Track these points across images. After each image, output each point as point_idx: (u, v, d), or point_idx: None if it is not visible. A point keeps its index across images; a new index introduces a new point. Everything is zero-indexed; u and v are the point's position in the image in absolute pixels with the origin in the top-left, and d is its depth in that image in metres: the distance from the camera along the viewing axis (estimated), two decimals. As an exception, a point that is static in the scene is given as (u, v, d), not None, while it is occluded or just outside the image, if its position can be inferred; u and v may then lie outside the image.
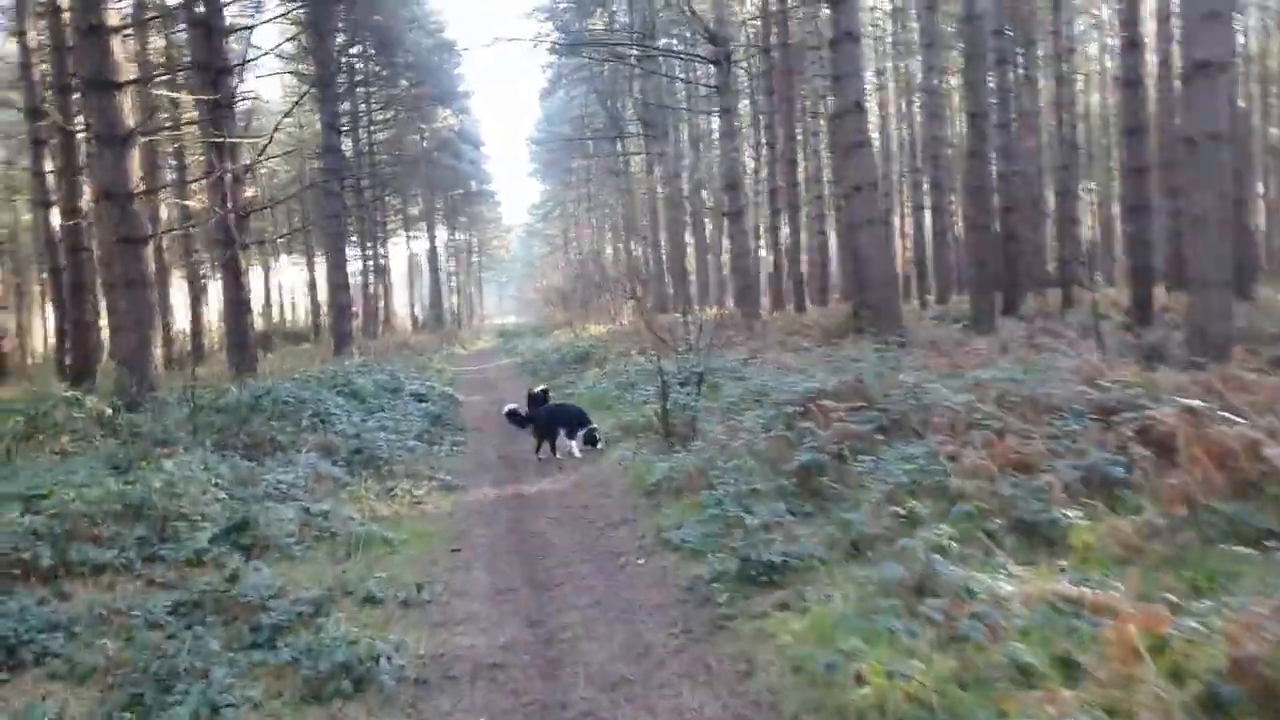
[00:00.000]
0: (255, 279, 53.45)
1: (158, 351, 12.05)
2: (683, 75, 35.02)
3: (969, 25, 16.57)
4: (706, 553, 5.39)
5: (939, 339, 15.28)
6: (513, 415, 10.26)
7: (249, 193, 28.51)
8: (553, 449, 9.68)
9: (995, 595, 3.94)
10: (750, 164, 36.90)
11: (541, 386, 13.84)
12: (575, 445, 9.62)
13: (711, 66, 25.00)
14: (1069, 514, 4.95)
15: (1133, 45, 17.20)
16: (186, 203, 17.54)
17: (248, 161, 19.10)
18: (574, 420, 9.69)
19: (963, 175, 17.20)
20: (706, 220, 42.16)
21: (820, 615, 4.31)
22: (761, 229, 32.84)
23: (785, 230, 28.74)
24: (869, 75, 35.86)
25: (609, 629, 4.73)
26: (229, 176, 14.84)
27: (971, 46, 18.05)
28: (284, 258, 57.60)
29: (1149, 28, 23.69)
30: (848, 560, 4.94)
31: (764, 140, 31.64)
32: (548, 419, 9.89)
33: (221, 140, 15.07)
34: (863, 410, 6.84)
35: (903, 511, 5.02)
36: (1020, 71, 26.51)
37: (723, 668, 4.09)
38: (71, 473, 6.91)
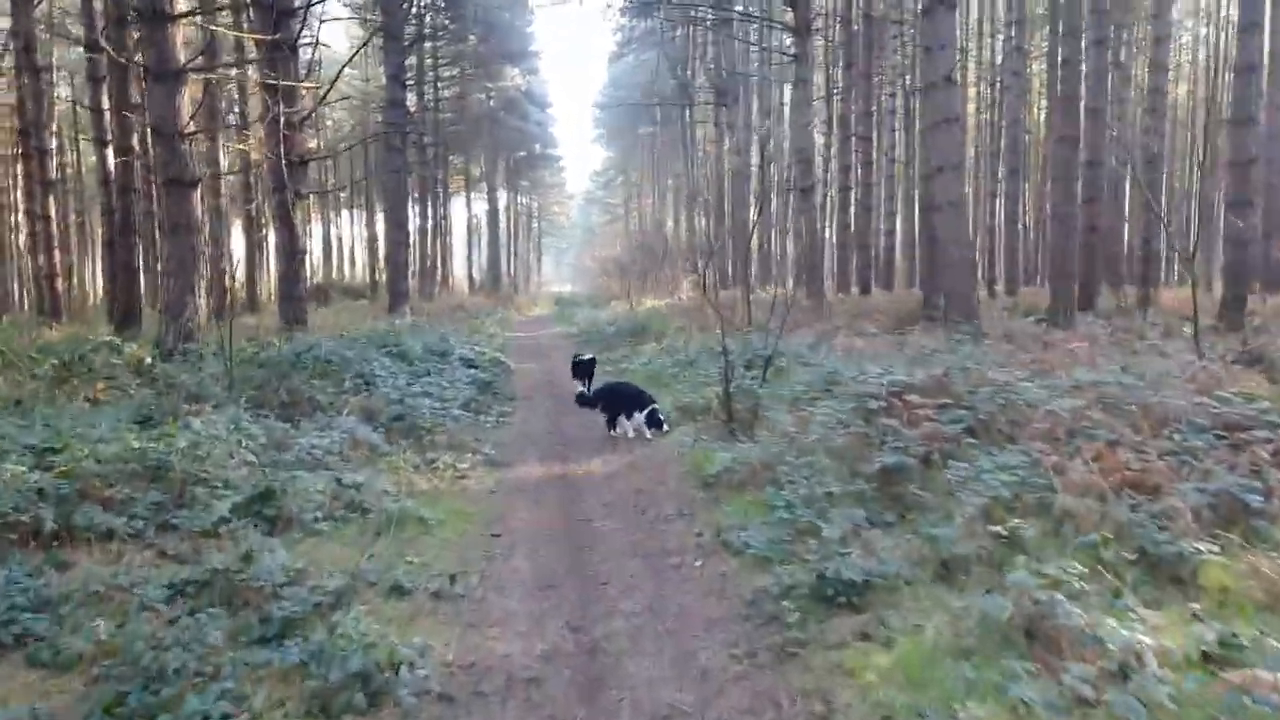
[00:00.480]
0: (315, 232, 53.97)
1: (201, 300, 11.74)
2: (757, 43, 33.93)
3: (1072, -3, 15.39)
4: (774, 561, 4.78)
5: (1014, 332, 14.34)
6: (581, 398, 9.70)
7: (310, 143, 28.45)
8: (611, 426, 9.08)
9: (1130, 650, 3.27)
10: (819, 140, 35.71)
11: (588, 355, 13.30)
12: (636, 426, 9.00)
13: (789, 35, 24.01)
14: (1199, 547, 4.23)
15: (1253, 26, 15.83)
16: (242, 147, 17.23)
17: (307, 108, 18.78)
18: (636, 400, 9.06)
19: (1050, 161, 16.07)
20: (772, 196, 41.13)
21: (909, 651, 3.69)
22: (830, 208, 31.74)
23: (853, 211, 27.71)
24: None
25: (659, 644, 4.15)
26: (283, 121, 14.41)
27: (1068, 22, 16.87)
28: (345, 212, 58.06)
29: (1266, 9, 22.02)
30: (937, 582, 4.30)
31: (836, 115, 30.50)
32: (611, 398, 9.28)
33: (278, 83, 14.68)
34: (949, 408, 6.13)
35: (1002, 531, 4.34)
36: (1111, 56, 24.94)
37: (795, 708, 3.50)
38: (93, 425, 6.53)
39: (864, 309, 21.02)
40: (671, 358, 13.16)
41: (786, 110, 42.63)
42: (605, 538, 5.83)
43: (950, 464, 5.27)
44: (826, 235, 32.03)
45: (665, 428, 8.78)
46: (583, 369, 11.72)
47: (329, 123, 52.02)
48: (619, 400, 9.12)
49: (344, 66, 19.51)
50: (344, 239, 59.36)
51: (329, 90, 18.25)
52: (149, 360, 10.51)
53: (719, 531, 5.47)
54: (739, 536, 5.21)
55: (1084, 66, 16.65)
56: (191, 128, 11.47)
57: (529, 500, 6.81)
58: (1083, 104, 16.40)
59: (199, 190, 11.84)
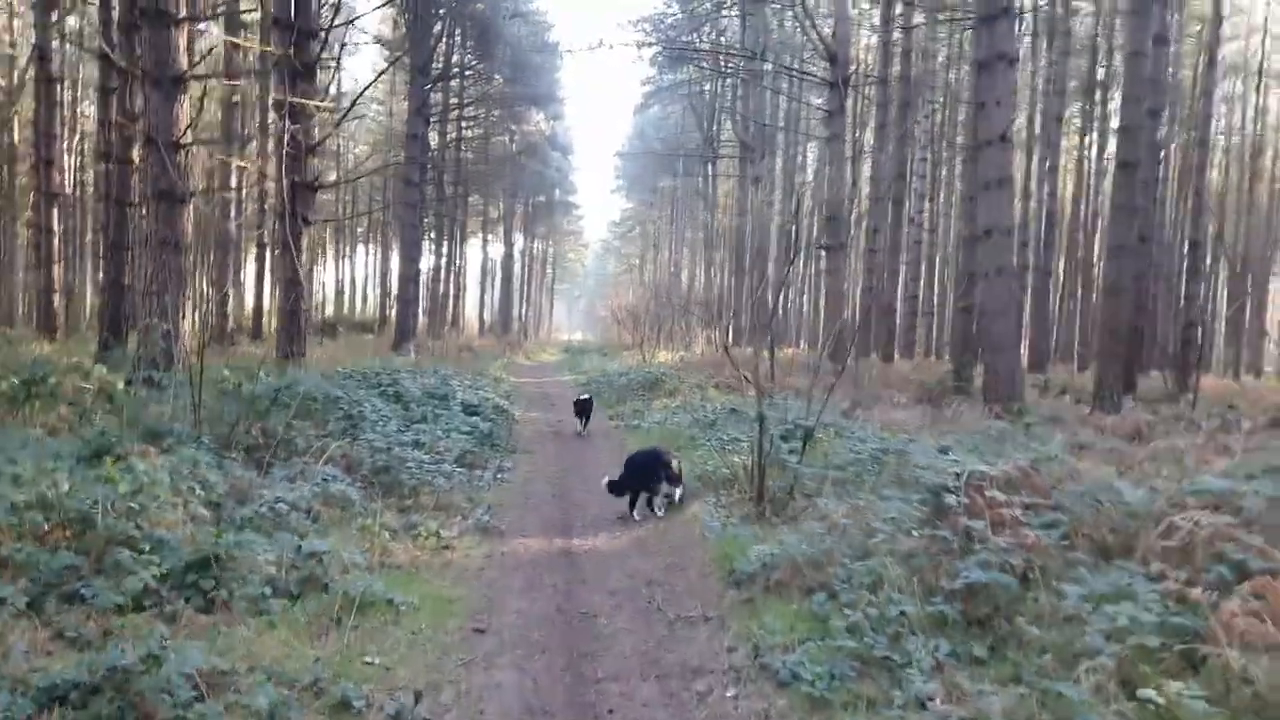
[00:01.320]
0: (329, 265, 53.51)
1: (186, 323, 10.79)
2: (788, 97, 33.47)
3: (1133, 61, 14.60)
4: (834, 705, 3.69)
5: (1059, 414, 13.31)
6: (612, 486, 7.94)
7: (324, 170, 27.84)
8: (632, 507, 7.79)
9: None
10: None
11: (585, 395, 13.33)
12: (659, 500, 7.84)
13: (825, 89, 23.40)
14: None
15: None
16: (244, 164, 16.50)
17: (321, 133, 18.10)
18: (657, 468, 7.83)
19: (1109, 232, 15.16)
20: (788, 253, 40.42)
21: None
22: (851, 270, 30.90)
23: (875, 275, 26.86)
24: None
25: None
26: (289, 140, 13.65)
27: (1129, 89, 16.08)
28: (361, 247, 57.70)
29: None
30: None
31: (865, 176, 29.87)
32: (640, 475, 7.84)
33: (286, 100, 13.95)
34: (1038, 509, 5.06)
35: (1155, 698, 3.24)
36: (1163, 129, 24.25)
37: None
38: (14, 461, 5.50)
39: (889, 377, 20.02)
40: (689, 416, 12.11)
41: (810, 169, 42.31)
42: (612, 643, 4.74)
43: (1056, 585, 4.19)
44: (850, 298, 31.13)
45: (679, 495, 7.66)
46: (581, 409, 12.72)
47: (351, 155, 51.98)
48: (647, 474, 7.85)
49: (363, 91, 18.94)
50: (357, 274, 59.00)
51: (345, 115, 17.54)
52: (122, 385, 9.54)
53: (757, 650, 4.37)
54: (784, 661, 4.11)
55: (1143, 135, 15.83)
56: (189, 139, 10.65)
57: (523, 582, 5.72)
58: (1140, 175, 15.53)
59: (190, 206, 10.98)
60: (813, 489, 6.85)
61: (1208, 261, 27.38)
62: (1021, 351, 26.55)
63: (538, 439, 12.08)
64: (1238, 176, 34.33)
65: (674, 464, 7.78)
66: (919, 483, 5.63)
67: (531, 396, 18.40)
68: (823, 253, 22.46)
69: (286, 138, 14.90)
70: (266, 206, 25.23)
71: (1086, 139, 31.42)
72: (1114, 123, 20.52)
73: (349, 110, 18.18)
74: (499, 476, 8.92)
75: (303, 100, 14.90)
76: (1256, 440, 9.28)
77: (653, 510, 7.65)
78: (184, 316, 10.94)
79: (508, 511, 7.60)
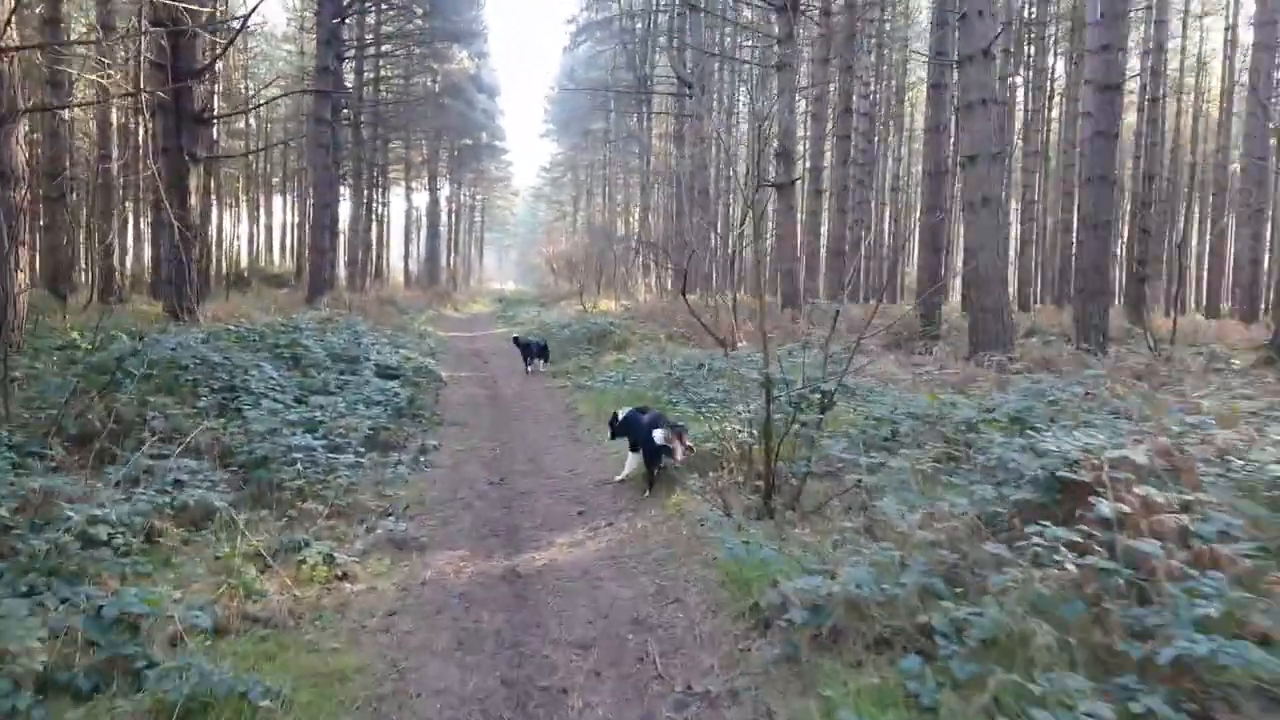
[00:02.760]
0: (243, 214, 50.07)
1: (20, 276, 8.59)
2: (728, 22, 31.50)
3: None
4: None
5: (1052, 360, 12.00)
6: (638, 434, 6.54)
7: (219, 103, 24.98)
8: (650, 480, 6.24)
9: None
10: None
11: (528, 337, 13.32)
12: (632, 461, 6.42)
13: (773, 12, 21.52)
14: None
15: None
16: (99, 78, 13.93)
17: (210, 56, 15.55)
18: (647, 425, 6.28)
19: (1086, 161, 13.79)
20: (729, 195, 38.69)
21: None
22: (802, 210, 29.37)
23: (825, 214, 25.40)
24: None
25: None
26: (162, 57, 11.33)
27: (1109, 6, 14.62)
28: (278, 197, 54.22)
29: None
30: None
31: (810, 113, 28.18)
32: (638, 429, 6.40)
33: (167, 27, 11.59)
34: (1203, 511, 3.49)
35: None
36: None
37: None
38: None
39: (851, 323, 18.60)
40: (648, 373, 10.37)
41: (745, 107, 40.39)
42: (595, 744, 3.05)
43: None
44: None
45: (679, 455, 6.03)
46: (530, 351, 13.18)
47: (264, 100, 48.14)
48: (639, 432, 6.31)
49: (256, 6, 16.26)
50: (275, 224, 55.60)
51: (237, 34, 15.03)
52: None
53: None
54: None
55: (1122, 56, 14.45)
56: (8, 40, 8.33)
57: (451, 635, 3.95)
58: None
59: (17, 126, 8.67)
60: (833, 474, 5.21)
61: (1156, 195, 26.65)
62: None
63: (470, 406, 10.24)
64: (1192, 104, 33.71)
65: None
66: (1009, 468, 4.02)
67: (461, 353, 16.47)
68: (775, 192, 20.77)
69: (145, 50, 12.50)
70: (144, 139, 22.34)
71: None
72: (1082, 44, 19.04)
73: (242, 28, 15.67)
74: (421, 460, 7.08)
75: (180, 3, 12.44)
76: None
77: (650, 480, 6.09)
78: (18, 268, 8.72)
79: (432, 512, 5.80)
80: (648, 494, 6.07)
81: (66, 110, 21.65)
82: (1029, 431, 4.70)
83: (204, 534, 4.68)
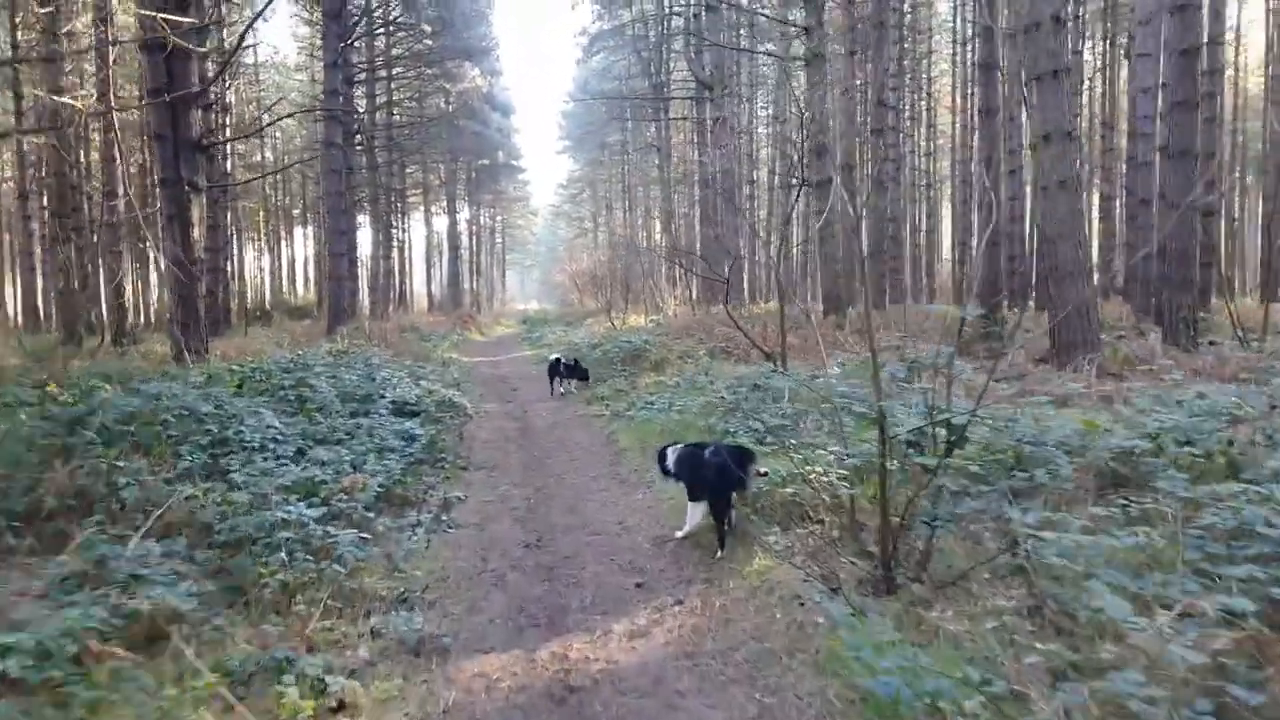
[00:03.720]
0: (263, 247, 49.77)
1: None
2: (749, 23, 30.43)
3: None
4: None
5: (1142, 360, 10.72)
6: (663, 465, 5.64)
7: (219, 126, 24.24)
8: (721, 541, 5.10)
9: None
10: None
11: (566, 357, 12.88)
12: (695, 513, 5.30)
13: (797, 6, 20.44)
14: None
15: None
16: (74, 103, 13.07)
17: (208, 82, 14.70)
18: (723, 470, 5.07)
19: (1171, 131, 12.48)
20: (752, 200, 37.52)
21: None
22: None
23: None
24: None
25: None
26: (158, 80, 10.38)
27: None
28: (299, 229, 54.02)
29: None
30: None
31: (840, 108, 26.95)
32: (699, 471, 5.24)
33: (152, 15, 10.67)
34: None
35: None
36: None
37: None
38: None
39: (902, 326, 17.34)
40: (697, 396, 9.19)
41: (769, 109, 39.25)
42: None
43: None
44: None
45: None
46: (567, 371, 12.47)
47: (279, 132, 47.85)
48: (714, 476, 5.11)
49: (254, 21, 15.44)
50: (297, 256, 55.52)
51: (235, 52, 14.20)
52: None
53: None
54: None
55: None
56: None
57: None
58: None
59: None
60: (960, 528, 4.02)
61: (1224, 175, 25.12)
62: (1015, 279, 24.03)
63: (498, 443, 9.12)
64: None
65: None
66: (1260, 533, 2.83)
67: (487, 381, 15.40)
68: (810, 191, 19.56)
69: (147, 76, 11.64)
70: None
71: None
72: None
73: (237, 47, 14.79)
74: (443, 520, 5.95)
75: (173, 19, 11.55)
76: None
77: (721, 537, 4.93)
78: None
79: (456, 594, 4.67)
80: (720, 555, 4.91)
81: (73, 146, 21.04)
82: (1230, 464, 3.49)
83: (156, 654, 3.58)
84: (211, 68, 18.85)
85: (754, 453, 5.23)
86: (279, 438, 6.96)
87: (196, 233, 14.70)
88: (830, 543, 4.68)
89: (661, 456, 5.50)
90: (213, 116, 26.28)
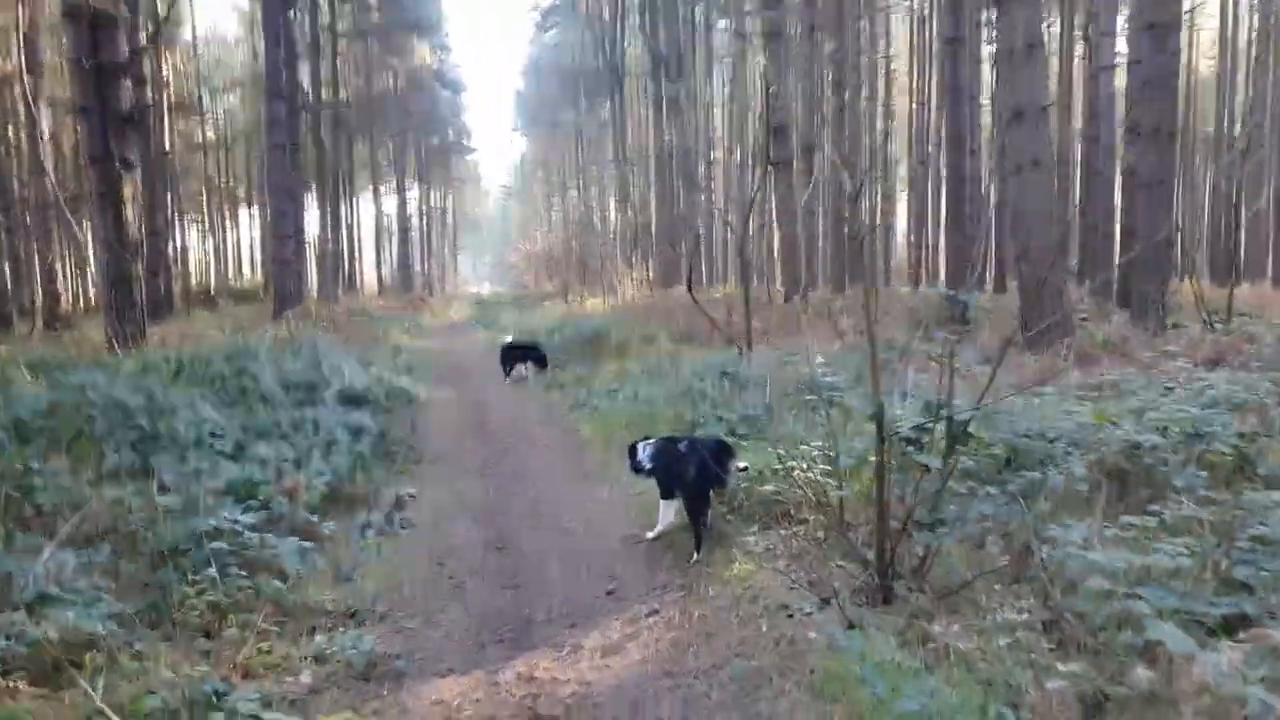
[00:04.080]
0: (208, 229, 48.21)
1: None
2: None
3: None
4: None
5: (1111, 339, 10.66)
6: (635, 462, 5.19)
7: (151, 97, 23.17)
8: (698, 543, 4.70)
9: None
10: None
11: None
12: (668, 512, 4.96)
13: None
14: None
15: None
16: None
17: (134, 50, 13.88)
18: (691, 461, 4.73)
19: (1139, 108, 12.37)
20: (708, 179, 37.11)
21: None
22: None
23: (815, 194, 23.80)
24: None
25: None
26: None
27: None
28: (244, 210, 52.43)
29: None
30: None
31: (802, 90, 26.66)
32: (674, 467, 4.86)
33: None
34: None
35: None
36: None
37: None
38: None
39: (856, 310, 17.17)
40: (663, 385, 8.83)
41: (725, 88, 38.84)
42: None
43: None
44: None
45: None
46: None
47: (221, 108, 46.30)
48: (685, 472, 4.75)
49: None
50: (244, 239, 53.94)
51: (164, 21, 13.38)
52: None
53: None
54: None
55: None
56: None
57: None
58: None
59: None
60: (952, 529, 3.72)
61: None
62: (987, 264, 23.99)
63: (454, 434, 8.68)
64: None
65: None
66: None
67: (440, 367, 14.87)
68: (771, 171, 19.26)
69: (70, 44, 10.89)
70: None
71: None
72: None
73: (168, 14, 13.96)
74: (395, 520, 5.52)
75: None
76: None
77: (699, 537, 4.58)
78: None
79: (410, 606, 4.25)
80: (696, 559, 4.57)
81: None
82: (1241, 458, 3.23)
83: (57, 690, 3.13)
84: (144, 39, 17.88)
85: (732, 447, 4.89)
86: (217, 432, 6.47)
87: (130, 212, 13.90)
88: (816, 544, 4.37)
89: (633, 451, 5.12)
90: (147, 91, 25.15)
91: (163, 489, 4.92)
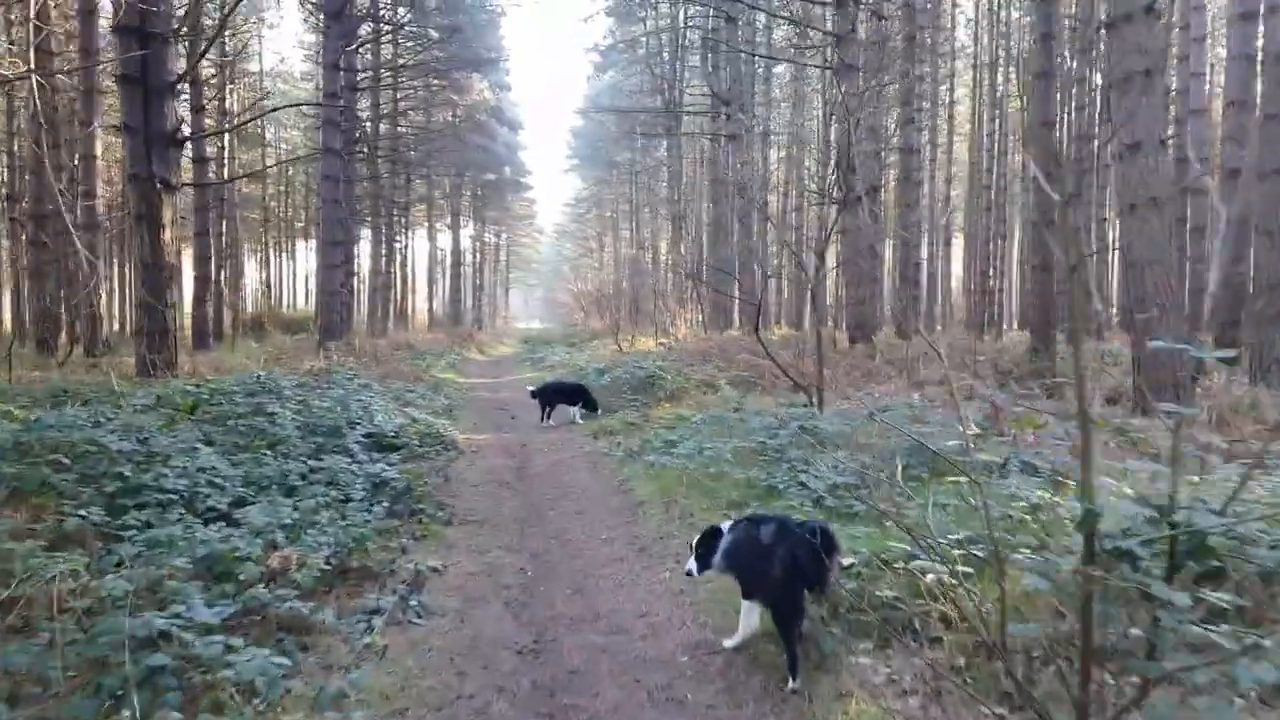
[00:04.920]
0: (265, 258, 48.67)
1: None
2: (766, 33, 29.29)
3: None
4: None
5: (1228, 409, 9.32)
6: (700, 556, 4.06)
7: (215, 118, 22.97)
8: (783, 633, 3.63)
9: None
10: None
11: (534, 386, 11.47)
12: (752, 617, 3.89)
13: (828, 8, 19.24)
14: None
15: None
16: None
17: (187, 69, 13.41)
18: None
19: (1264, 146, 11.07)
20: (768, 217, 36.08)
21: None
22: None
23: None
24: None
25: None
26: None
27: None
28: (300, 242, 52.99)
29: None
30: None
31: (866, 126, 25.66)
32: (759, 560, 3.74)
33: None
34: None
35: None
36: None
37: None
38: None
39: (922, 357, 15.92)
40: (727, 437, 7.71)
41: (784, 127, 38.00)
42: None
43: None
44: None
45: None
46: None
47: (283, 143, 46.81)
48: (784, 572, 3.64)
49: (233, 9, 14.15)
50: (299, 271, 54.78)
51: (215, 38, 12.90)
52: None
53: None
54: None
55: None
56: None
57: None
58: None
59: None
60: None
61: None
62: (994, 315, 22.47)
63: (491, 487, 7.67)
64: None
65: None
66: None
67: (483, 407, 13.96)
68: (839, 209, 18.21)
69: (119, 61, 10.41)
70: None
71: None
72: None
73: (219, 33, 13.51)
74: (410, 606, 4.47)
75: None
76: None
77: (793, 658, 3.48)
78: None
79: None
80: (794, 687, 3.46)
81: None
82: None
83: None
84: (185, 63, 17.53)
85: (835, 535, 3.77)
86: (217, 481, 5.54)
87: (168, 235, 13.32)
88: (957, 673, 3.24)
89: (708, 542, 4.00)
90: (205, 120, 25.07)
91: (120, 564, 3.97)
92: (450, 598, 4.69)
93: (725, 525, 4.00)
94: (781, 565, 3.52)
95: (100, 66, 16.46)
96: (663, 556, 5.35)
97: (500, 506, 6.90)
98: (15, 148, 24.41)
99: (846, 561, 3.83)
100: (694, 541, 4.08)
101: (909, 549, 4.01)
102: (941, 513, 4.41)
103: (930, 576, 3.43)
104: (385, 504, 6.02)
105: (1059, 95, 13.43)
